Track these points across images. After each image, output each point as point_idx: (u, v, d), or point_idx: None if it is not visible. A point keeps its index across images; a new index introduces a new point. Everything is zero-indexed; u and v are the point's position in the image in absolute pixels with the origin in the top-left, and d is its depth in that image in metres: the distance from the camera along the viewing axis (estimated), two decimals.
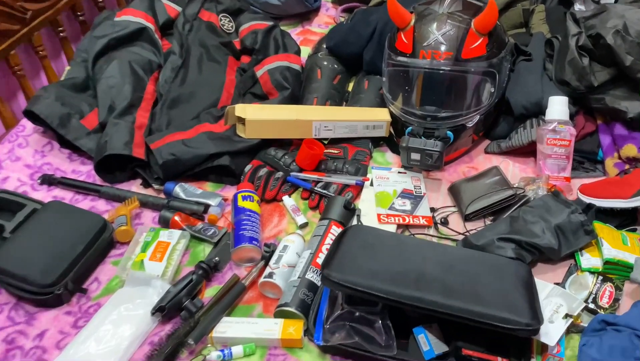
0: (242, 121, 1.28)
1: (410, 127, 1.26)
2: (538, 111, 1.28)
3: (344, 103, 1.47)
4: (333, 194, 1.21)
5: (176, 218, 1.17)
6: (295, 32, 1.75)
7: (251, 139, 1.29)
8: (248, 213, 1.15)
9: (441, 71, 1.22)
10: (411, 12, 1.28)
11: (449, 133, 1.25)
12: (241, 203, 1.16)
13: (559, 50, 1.30)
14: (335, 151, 1.32)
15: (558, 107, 1.23)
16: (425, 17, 1.25)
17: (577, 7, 1.57)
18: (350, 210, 1.15)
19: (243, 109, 1.28)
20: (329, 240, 1.09)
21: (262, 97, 1.43)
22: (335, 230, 1.11)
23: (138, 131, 1.27)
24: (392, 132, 1.34)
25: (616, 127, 1.25)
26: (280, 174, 1.26)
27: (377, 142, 1.37)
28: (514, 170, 1.29)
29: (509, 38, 1.33)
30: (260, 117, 1.27)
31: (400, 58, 1.26)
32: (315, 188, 1.22)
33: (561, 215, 1.09)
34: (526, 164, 1.31)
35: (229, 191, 1.27)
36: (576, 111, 1.29)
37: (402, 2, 1.34)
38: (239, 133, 1.30)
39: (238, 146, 1.27)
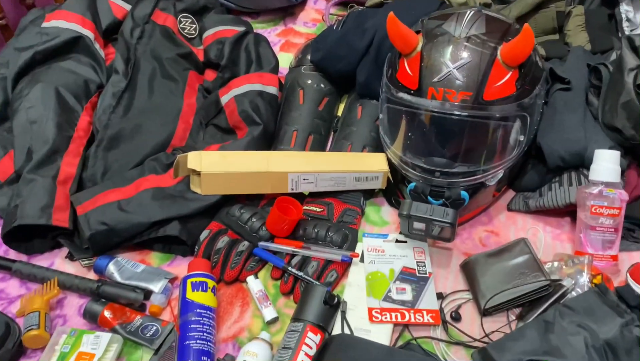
0: (197, 172, 1.00)
1: (412, 184, 0.99)
2: (579, 164, 1.00)
3: (332, 134, 1.19)
4: (311, 278, 0.94)
5: (106, 313, 0.91)
6: (275, 33, 1.45)
7: (209, 196, 1.01)
8: (199, 310, 0.88)
9: (455, 117, 0.93)
10: (418, 32, 0.98)
11: (464, 194, 0.97)
12: (190, 295, 0.90)
13: (608, 85, 1.01)
14: (317, 209, 1.05)
15: (607, 164, 0.95)
16: (436, 41, 0.96)
17: (624, 8, 1.27)
18: (332, 306, 0.89)
19: (197, 159, 0.99)
20: (303, 356, 0.83)
21: (228, 132, 1.14)
22: (313, 339, 0.85)
23: (61, 188, 1.00)
24: (391, 179, 1.06)
25: None
26: (245, 244, 0.99)
27: (371, 191, 1.10)
28: (546, 238, 1.02)
29: (543, 63, 1.03)
30: (220, 170, 1.00)
31: (402, 95, 0.97)
32: (289, 268, 0.95)
33: (611, 326, 0.83)
34: (560, 228, 1.04)
35: (180, 265, 1.00)
36: (628, 165, 1.01)
37: (405, 12, 1.04)
38: (193, 188, 1.02)
39: (191, 207, 1.00)
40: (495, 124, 0.95)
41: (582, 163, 1.00)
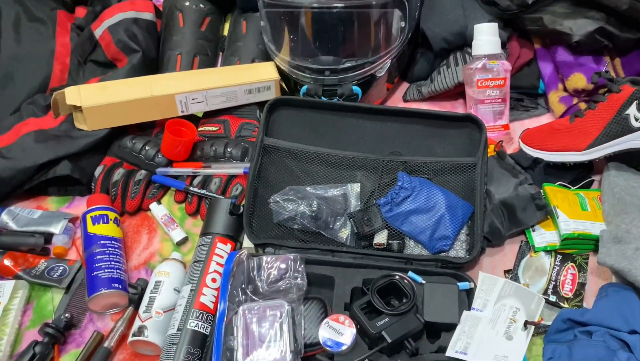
0: (79, 108, 1.00)
1: (305, 86, 1.03)
2: (462, 43, 1.07)
3: (220, 54, 1.21)
4: (215, 194, 0.97)
5: (6, 261, 0.92)
6: None
7: (96, 131, 1.02)
8: (103, 241, 0.90)
9: (334, 10, 0.97)
10: None
11: (356, 89, 1.02)
12: (92, 229, 0.92)
13: None
14: (213, 128, 1.07)
15: (487, 37, 1.02)
16: None
17: None
18: (239, 215, 0.93)
19: (75, 94, 0.99)
20: (215, 265, 0.87)
21: (108, 66, 1.14)
22: (223, 248, 0.89)
23: None
24: (285, 88, 1.10)
25: (558, 52, 1.05)
26: (142, 173, 1.01)
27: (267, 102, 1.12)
28: None
29: None
30: (102, 101, 1.00)
31: None
32: (191, 188, 0.98)
33: (506, 187, 0.92)
34: (455, 109, 1.12)
35: (80, 205, 1.01)
36: (508, 37, 1.08)
37: None
38: (78, 125, 1.02)
39: (80, 144, 1.00)
40: (375, 12, 1.00)
41: (465, 42, 1.07)
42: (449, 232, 0.87)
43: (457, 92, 1.10)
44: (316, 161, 0.95)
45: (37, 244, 0.94)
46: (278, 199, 0.91)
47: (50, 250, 0.96)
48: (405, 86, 1.16)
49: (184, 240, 0.96)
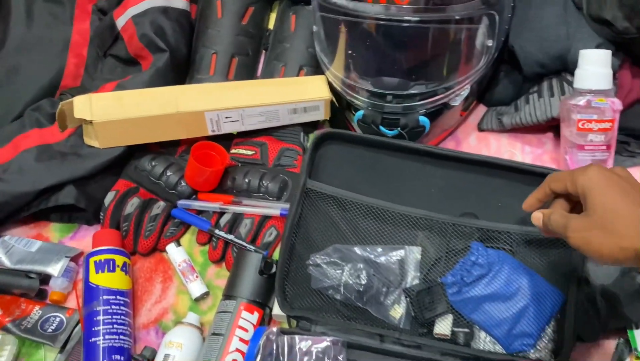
0: (90, 121, 0.84)
1: (360, 112, 0.84)
2: (561, 68, 0.86)
3: (263, 52, 1.02)
4: (244, 241, 0.81)
5: None
6: None
7: (109, 150, 0.85)
8: (106, 296, 0.76)
9: (405, 24, 0.77)
10: None
11: (424, 120, 0.83)
12: (94, 279, 0.77)
13: None
14: (248, 152, 0.90)
15: (595, 68, 0.81)
16: None
17: None
18: (270, 275, 0.76)
19: (85, 106, 0.83)
20: (237, 342, 0.71)
21: (130, 63, 0.97)
22: (248, 319, 0.73)
23: None
24: (336, 104, 0.91)
25: None
26: (160, 205, 0.85)
27: (314, 121, 0.95)
28: (525, 160, 0.90)
29: None
30: (117, 116, 0.83)
31: (336, 0, 0.80)
32: (217, 231, 0.82)
33: (608, 270, 0.73)
34: (542, 146, 0.92)
35: (86, 237, 0.87)
36: (620, 64, 0.86)
37: None
38: (87, 142, 0.86)
39: (88, 166, 0.85)
40: (456, 28, 0.80)
41: (564, 67, 0.86)
42: (532, 329, 0.69)
43: (547, 126, 0.89)
44: (369, 215, 0.77)
45: (32, 287, 0.80)
46: (319, 261, 0.74)
47: (47, 293, 0.81)
48: (481, 109, 0.95)
49: (205, 295, 0.81)
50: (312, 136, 0.93)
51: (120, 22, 0.96)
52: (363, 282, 0.72)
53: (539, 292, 0.71)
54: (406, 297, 0.72)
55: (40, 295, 0.81)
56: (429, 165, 0.79)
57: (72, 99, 0.83)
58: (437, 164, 0.79)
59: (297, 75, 0.95)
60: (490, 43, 0.83)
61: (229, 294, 0.75)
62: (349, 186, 0.79)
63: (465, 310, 0.71)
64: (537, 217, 0.62)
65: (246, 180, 0.86)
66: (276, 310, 0.76)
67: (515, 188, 0.76)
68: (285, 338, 0.69)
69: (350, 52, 0.84)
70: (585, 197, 0.56)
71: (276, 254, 0.83)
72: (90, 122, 0.83)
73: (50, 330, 0.77)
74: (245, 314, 0.74)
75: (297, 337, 0.69)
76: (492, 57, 0.84)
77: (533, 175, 0.75)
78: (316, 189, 0.77)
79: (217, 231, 0.82)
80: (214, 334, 0.73)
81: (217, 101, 0.86)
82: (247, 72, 0.98)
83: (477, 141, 0.93)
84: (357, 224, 0.77)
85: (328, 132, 0.80)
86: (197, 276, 0.81)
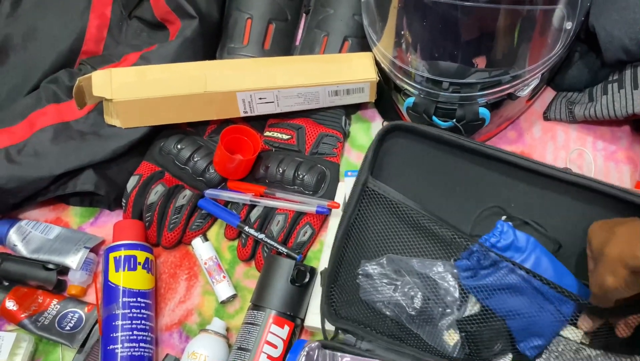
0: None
1: (410, 99, 0.74)
2: None
3: (304, 16, 0.91)
4: (276, 242, 0.74)
5: (9, 303, 0.73)
6: None
7: (132, 130, 0.78)
8: (126, 299, 0.70)
9: (471, 4, 0.66)
10: None
11: (484, 112, 0.73)
12: (114, 278, 0.71)
13: None
14: (284, 136, 0.82)
15: None
16: None
17: None
18: (303, 285, 0.69)
19: (105, 82, 0.75)
20: (265, 360, 0.65)
21: (157, 27, 0.88)
22: (278, 334, 0.67)
23: None
24: (383, 85, 0.81)
25: None
26: (186, 195, 0.78)
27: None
28: (596, 159, 0.79)
29: None
30: (139, 95, 0.75)
31: None
32: (246, 229, 0.75)
33: None
34: (616, 142, 0.81)
35: (107, 222, 0.81)
36: None
37: None
38: (108, 121, 0.78)
39: (109, 148, 0.77)
40: (530, 10, 0.68)
41: None
42: (545, 329, 0.62)
43: (624, 119, 0.78)
44: (436, 228, 0.67)
45: (50, 280, 0.75)
46: (370, 271, 0.66)
47: (65, 284, 0.77)
48: (548, 94, 0.84)
49: (232, 298, 0.75)
50: (365, 124, 0.84)
51: None
52: (417, 305, 0.64)
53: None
54: (461, 332, 0.64)
55: (59, 286, 0.76)
56: (510, 178, 0.69)
57: (91, 74, 0.75)
58: (522, 177, 0.68)
59: (341, 47, 0.84)
60: (569, 25, 0.71)
61: (257, 304, 0.69)
62: (415, 191, 0.70)
63: (480, 295, 0.63)
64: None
65: (280, 170, 0.78)
66: (310, 321, 0.70)
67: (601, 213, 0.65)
68: (327, 353, 0.63)
69: (403, 30, 0.73)
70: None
71: (310, 258, 0.76)
72: (111, 99, 0.75)
73: (68, 328, 0.73)
74: (274, 328, 0.67)
75: (339, 354, 0.63)
76: (568, 40, 0.72)
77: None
78: (378, 191, 0.68)
79: (246, 228, 0.75)
80: (240, 348, 0.67)
81: (250, 80, 0.77)
82: (285, 40, 0.88)
83: (542, 132, 0.82)
84: (419, 236, 0.68)
85: (397, 124, 0.70)
86: (224, 276, 0.75)
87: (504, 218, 0.68)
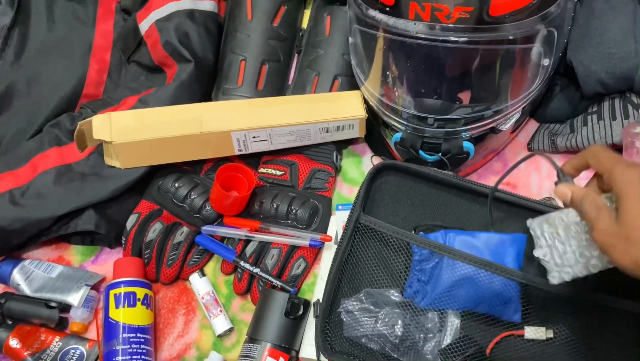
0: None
1: (398, 134, 0.77)
2: (626, 88, 0.77)
3: (296, 56, 0.95)
4: (270, 275, 0.76)
5: (12, 342, 0.75)
6: None
7: (131, 170, 0.81)
8: (126, 335, 0.72)
9: (451, 45, 0.69)
10: None
11: (468, 145, 0.76)
12: (114, 314, 0.73)
13: None
14: (277, 172, 0.84)
15: None
16: None
17: None
18: (297, 317, 0.72)
19: (105, 126, 0.78)
20: None
21: (155, 70, 0.91)
22: None
23: None
24: (372, 120, 0.85)
25: None
26: (184, 232, 0.81)
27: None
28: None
29: None
30: (138, 137, 0.78)
31: (374, 14, 0.72)
32: (242, 263, 0.77)
33: None
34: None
35: (108, 260, 0.83)
36: None
37: None
38: (108, 162, 0.82)
39: (109, 188, 0.80)
40: (508, 49, 0.71)
41: (629, 88, 0.77)
42: (512, 291, 0.65)
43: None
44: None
45: (52, 318, 0.77)
46: (350, 307, 0.68)
47: (67, 322, 0.79)
48: (531, 125, 0.87)
49: (229, 331, 0.77)
50: (355, 159, 0.87)
51: (144, 26, 0.90)
52: (398, 333, 0.66)
53: (500, 248, 0.67)
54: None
55: (61, 323, 0.78)
56: (502, 213, 0.71)
57: (91, 118, 0.78)
58: (512, 213, 0.71)
59: (332, 85, 0.88)
60: (546, 62, 0.74)
61: (253, 337, 0.71)
62: (405, 224, 0.73)
63: (442, 305, 0.67)
64: (564, 193, 0.55)
65: (274, 205, 0.81)
66: (304, 353, 0.72)
67: None
68: None
69: (388, 70, 0.76)
70: (620, 200, 0.49)
71: (304, 290, 0.78)
72: (111, 142, 0.78)
73: None
74: (270, 360, 0.69)
75: None
76: (547, 76, 0.76)
77: None
78: (370, 225, 0.71)
79: (242, 263, 0.77)
80: None
81: (244, 120, 0.80)
82: (278, 80, 0.91)
83: (526, 162, 0.83)
84: (408, 264, 0.71)
85: (386, 164, 0.73)
86: (221, 311, 0.77)
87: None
